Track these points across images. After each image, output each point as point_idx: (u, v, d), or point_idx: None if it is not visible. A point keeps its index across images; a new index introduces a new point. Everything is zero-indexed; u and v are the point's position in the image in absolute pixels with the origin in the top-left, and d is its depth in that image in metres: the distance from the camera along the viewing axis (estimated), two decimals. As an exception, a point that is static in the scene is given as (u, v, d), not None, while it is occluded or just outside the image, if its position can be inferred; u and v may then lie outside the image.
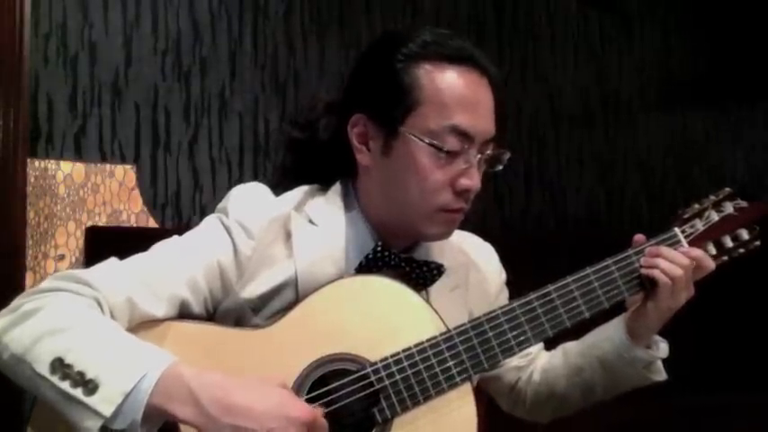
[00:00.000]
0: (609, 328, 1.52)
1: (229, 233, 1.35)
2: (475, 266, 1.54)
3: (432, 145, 1.33)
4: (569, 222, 3.70)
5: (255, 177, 2.70)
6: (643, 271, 1.43)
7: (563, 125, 3.72)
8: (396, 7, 3.15)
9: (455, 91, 1.34)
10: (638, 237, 1.49)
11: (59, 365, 1.16)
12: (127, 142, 2.45)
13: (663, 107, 4.07)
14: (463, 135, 1.34)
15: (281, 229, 1.38)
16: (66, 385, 1.15)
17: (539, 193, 3.60)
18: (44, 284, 1.26)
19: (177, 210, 2.54)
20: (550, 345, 1.64)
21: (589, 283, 1.43)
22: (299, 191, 1.44)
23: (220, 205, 1.40)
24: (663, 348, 1.51)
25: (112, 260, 1.31)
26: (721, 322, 3.50)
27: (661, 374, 1.52)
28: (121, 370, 1.15)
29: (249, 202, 1.39)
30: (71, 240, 2.27)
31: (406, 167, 1.35)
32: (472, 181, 1.36)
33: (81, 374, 1.15)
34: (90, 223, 2.31)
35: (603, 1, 3.86)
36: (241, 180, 2.71)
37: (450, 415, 1.32)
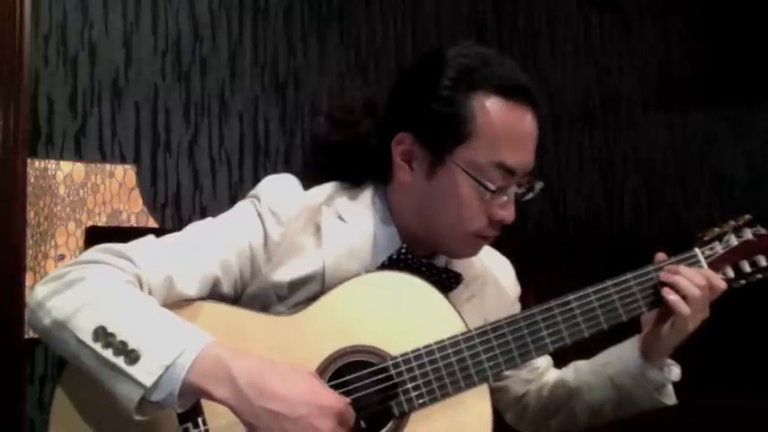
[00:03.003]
0: (622, 348, 1.54)
1: (261, 218, 1.39)
2: (492, 278, 1.57)
3: (477, 181, 1.37)
4: (569, 222, 3.71)
5: (255, 177, 2.70)
6: (663, 291, 1.44)
7: (563, 125, 3.72)
8: (396, 7, 3.15)
9: (507, 128, 1.37)
10: (660, 255, 1.50)
11: (102, 333, 1.18)
12: (127, 142, 2.45)
13: (663, 107, 4.08)
14: (507, 170, 1.38)
15: (310, 220, 1.41)
16: (108, 353, 1.17)
17: (540, 192, 3.60)
18: (87, 255, 1.29)
19: (177, 210, 2.54)
20: (560, 363, 1.65)
21: (608, 295, 1.44)
22: (329, 186, 1.47)
23: (252, 192, 1.43)
24: (675, 372, 1.52)
25: (150, 237, 1.35)
26: (723, 323, 3.49)
27: (671, 398, 1.53)
28: (162, 344, 1.18)
29: (281, 190, 1.42)
30: (71, 240, 2.27)
31: (447, 194, 1.39)
32: (509, 213, 1.41)
33: (123, 344, 1.17)
34: (90, 223, 2.31)
35: (603, 1, 3.86)
36: (241, 180, 2.72)
37: (465, 413, 1.34)
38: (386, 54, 3.11)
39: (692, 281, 1.42)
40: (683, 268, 1.44)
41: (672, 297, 1.42)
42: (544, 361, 1.65)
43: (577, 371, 1.60)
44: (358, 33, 3.03)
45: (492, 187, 1.37)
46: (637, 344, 1.51)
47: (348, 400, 1.25)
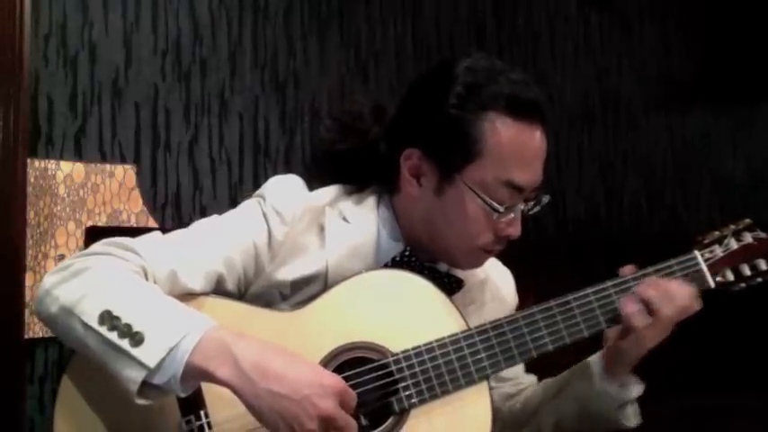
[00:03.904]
0: (587, 361, 1.53)
1: (266, 218, 1.40)
2: (493, 286, 1.58)
3: (486, 202, 1.37)
4: (569, 223, 3.70)
5: (255, 177, 2.70)
6: (621, 301, 1.42)
7: (563, 125, 3.72)
8: (396, 7, 3.15)
9: (517, 148, 1.38)
10: (627, 268, 1.48)
11: (108, 317, 1.20)
12: (127, 142, 2.45)
13: (663, 107, 4.08)
14: (516, 188, 1.39)
15: (313, 221, 1.42)
16: (113, 336, 1.19)
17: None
18: (94, 248, 1.32)
19: (177, 210, 2.54)
20: (559, 367, 1.65)
21: (608, 295, 1.45)
22: (334, 188, 1.49)
23: (258, 191, 1.45)
24: (636, 390, 1.50)
25: (156, 234, 1.37)
26: (722, 322, 3.50)
27: (631, 420, 1.51)
28: (166, 327, 1.20)
29: (285, 190, 1.44)
30: (71, 240, 2.27)
31: (455, 211, 1.40)
32: (515, 229, 1.42)
33: (128, 326, 1.19)
34: (90, 223, 2.31)
35: (603, 1, 3.86)
36: (241, 180, 2.71)
37: (465, 410, 1.36)
38: (386, 54, 3.11)
39: (667, 294, 1.40)
40: (661, 282, 1.42)
41: (629, 309, 1.40)
42: (528, 379, 1.65)
43: (546, 383, 1.61)
44: (358, 33, 3.03)
45: (500, 209, 1.38)
46: (599, 356, 1.50)
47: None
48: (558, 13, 3.75)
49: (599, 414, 1.49)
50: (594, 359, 1.51)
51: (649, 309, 1.40)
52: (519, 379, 1.63)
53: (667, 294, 1.41)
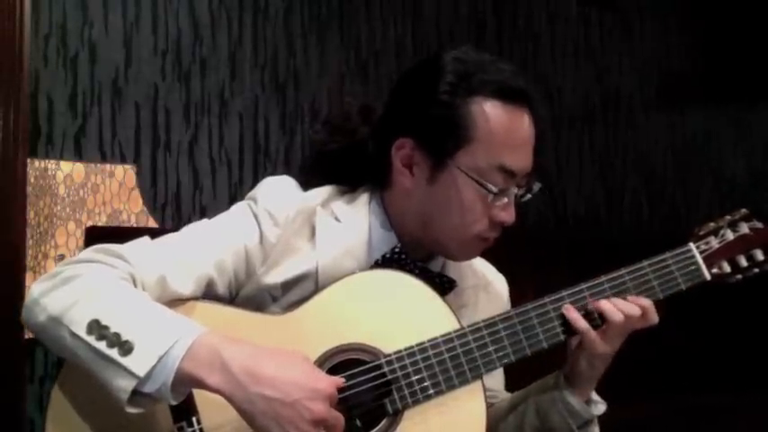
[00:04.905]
0: (551, 375, 1.52)
1: (257, 220, 1.39)
2: (486, 291, 1.57)
3: (480, 184, 1.38)
4: (569, 222, 3.71)
5: (255, 177, 2.71)
6: (565, 309, 1.42)
7: (563, 125, 3.72)
8: (396, 7, 3.15)
9: (507, 132, 1.39)
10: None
11: (96, 326, 1.19)
12: (127, 142, 2.45)
13: (663, 106, 4.08)
14: (508, 173, 1.39)
15: (305, 222, 1.42)
16: (102, 345, 1.18)
17: (539, 192, 3.58)
18: (82, 255, 1.31)
19: (177, 210, 2.55)
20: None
21: (603, 291, 1.43)
22: (327, 189, 1.48)
23: (250, 193, 1.44)
24: (600, 409, 1.49)
25: (145, 239, 1.35)
26: (721, 322, 3.50)
27: None
28: (155, 334, 1.18)
29: (278, 191, 1.43)
30: (71, 240, 2.27)
31: (449, 198, 1.40)
32: (509, 215, 1.42)
33: (117, 336, 1.18)
34: (90, 223, 2.31)
35: (603, 1, 3.86)
36: (241, 180, 2.72)
37: (459, 410, 1.35)
38: (386, 54, 3.11)
39: (617, 306, 1.40)
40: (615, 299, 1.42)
41: (572, 314, 1.40)
42: (505, 396, 1.63)
43: (513, 394, 1.60)
44: (358, 34, 3.03)
45: (494, 189, 1.38)
46: (562, 371, 1.50)
47: (341, 381, 1.26)
48: (558, 13, 3.75)
49: (557, 427, 1.48)
50: (558, 373, 1.50)
51: (598, 317, 1.40)
52: (496, 392, 1.62)
53: (617, 304, 1.41)
